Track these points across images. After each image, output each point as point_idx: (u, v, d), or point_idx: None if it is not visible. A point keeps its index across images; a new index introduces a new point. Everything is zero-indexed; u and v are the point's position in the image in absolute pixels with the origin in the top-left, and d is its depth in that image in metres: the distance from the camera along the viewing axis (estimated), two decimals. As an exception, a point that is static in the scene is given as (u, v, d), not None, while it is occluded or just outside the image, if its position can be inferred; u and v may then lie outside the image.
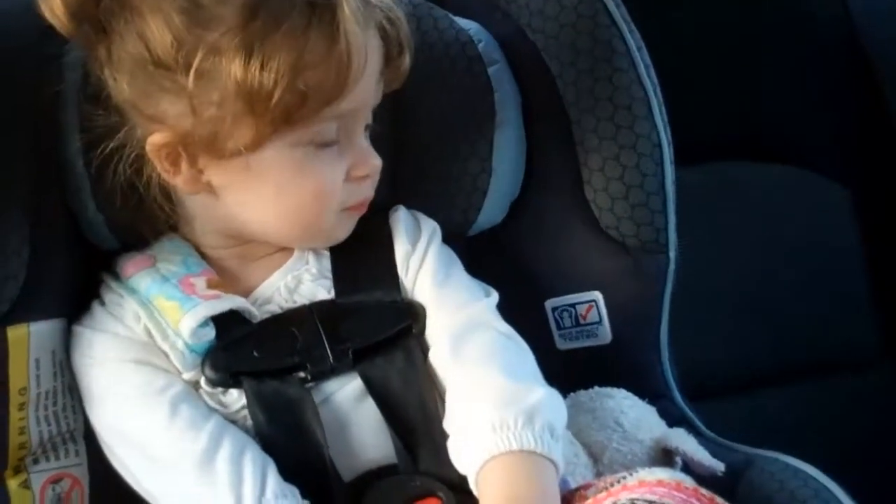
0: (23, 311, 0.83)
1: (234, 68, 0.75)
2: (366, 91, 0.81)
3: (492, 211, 0.99)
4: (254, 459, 0.78)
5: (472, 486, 0.78)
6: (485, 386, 0.81)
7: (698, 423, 0.99)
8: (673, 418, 0.96)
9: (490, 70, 0.97)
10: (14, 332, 0.82)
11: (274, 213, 0.83)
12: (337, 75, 0.77)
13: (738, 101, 1.28)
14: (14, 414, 0.82)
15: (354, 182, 0.84)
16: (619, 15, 0.97)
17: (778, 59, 1.29)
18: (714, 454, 0.89)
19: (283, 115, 0.77)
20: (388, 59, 0.84)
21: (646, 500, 0.74)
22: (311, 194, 0.82)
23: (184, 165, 0.81)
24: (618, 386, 0.96)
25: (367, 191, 0.86)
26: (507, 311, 0.89)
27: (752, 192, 1.28)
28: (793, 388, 1.27)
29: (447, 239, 0.94)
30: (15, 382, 0.82)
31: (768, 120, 1.29)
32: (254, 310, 0.85)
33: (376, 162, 0.85)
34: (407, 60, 0.86)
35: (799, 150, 1.29)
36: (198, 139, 0.78)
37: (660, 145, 0.96)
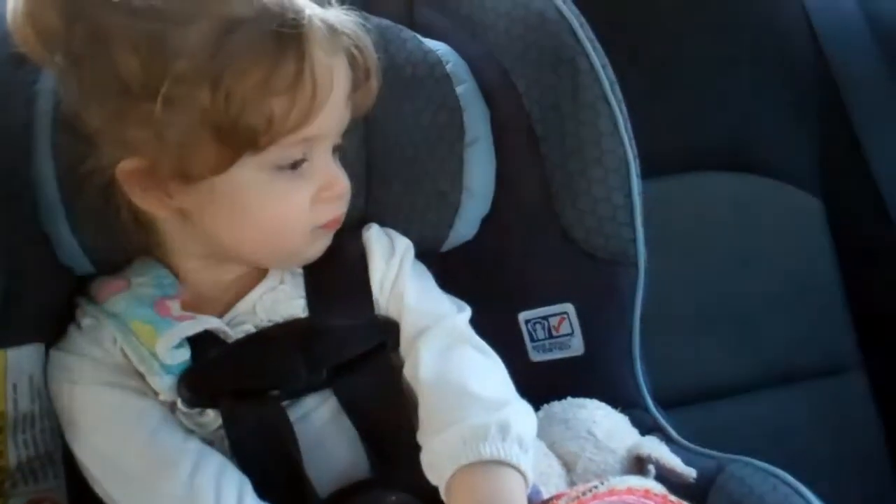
0: (-1, 336, 0.84)
1: (200, 96, 0.76)
2: (332, 117, 0.82)
3: (464, 227, 1.00)
4: (231, 480, 0.79)
5: (442, 496, 0.79)
6: (456, 399, 0.82)
7: (671, 430, 1.00)
8: (646, 427, 0.98)
9: (459, 89, 0.99)
10: (-9, 358, 0.83)
11: (243, 236, 0.84)
12: (303, 103, 0.78)
13: (709, 113, 1.29)
14: (-8, 438, 0.84)
15: (324, 203, 0.85)
16: (583, 34, 0.99)
17: (748, 71, 1.31)
18: (686, 461, 0.90)
19: (249, 140, 0.78)
20: (356, 85, 0.85)
21: (615, 509, 0.76)
22: (277, 216, 0.83)
23: (153, 190, 0.82)
24: (591, 396, 0.97)
25: (337, 210, 0.87)
26: (481, 324, 0.91)
27: (723, 202, 1.29)
28: (766, 396, 1.27)
29: (420, 255, 0.95)
30: (-7, 407, 0.83)
31: (739, 132, 1.30)
32: (228, 330, 0.86)
33: (344, 183, 0.86)
34: (375, 85, 0.87)
35: (770, 161, 1.30)
36: (165, 165, 0.79)
37: (626, 159, 0.98)
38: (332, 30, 0.81)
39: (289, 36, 0.77)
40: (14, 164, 0.86)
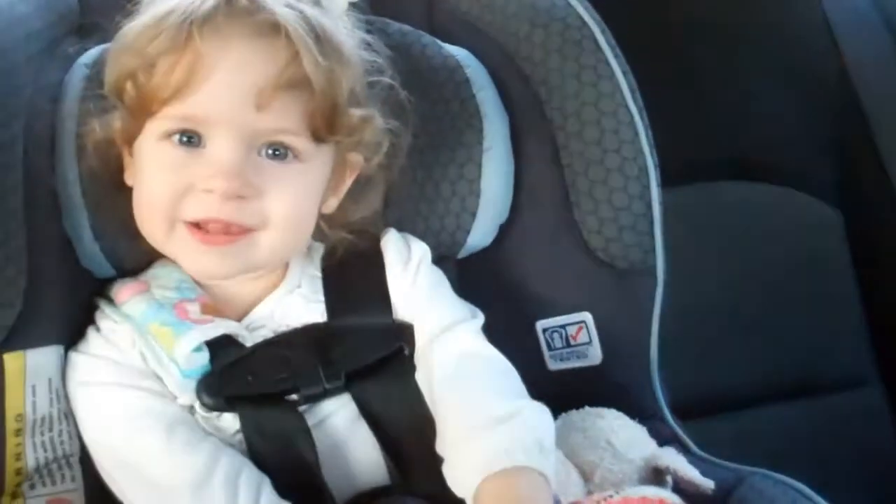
0: (19, 338, 0.84)
1: (108, 72, 0.85)
2: (220, 99, 0.81)
3: (481, 233, 1.00)
4: (248, 480, 0.79)
5: None
6: (471, 406, 0.82)
7: (688, 441, 0.99)
8: (663, 437, 0.97)
9: (478, 95, 0.98)
10: (10, 360, 0.83)
11: (137, 213, 0.86)
12: (177, 75, 0.81)
13: (730, 123, 1.29)
14: (11, 440, 0.83)
15: (196, 195, 0.82)
16: (605, 41, 0.99)
17: (768, 81, 1.30)
18: (704, 472, 0.90)
19: (135, 105, 0.83)
20: (290, 83, 0.82)
21: (630, 517, 0.75)
22: (142, 192, 0.85)
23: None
24: (608, 406, 0.96)
25: (209, 208, 0.82)
26: (498, 332, 0.91)
27: (743, 212, 1.29)
28: (784, 407, 1.27)
29: (438, 261, 0.95)
30: (11, 409, 0.83)
31: (759, 141, 1.30)
32: (247, 334, 0.86)
33: (222, 181, 0.81)
34: (311, 68, 0.82)
35: (790, 171, 1.30)
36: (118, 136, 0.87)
37: (646, 168, 0.98)
38: (232, 15, 0.81)
39: (176, 12, 0.81)
40: (38, 166, 0.86)
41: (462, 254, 1.01)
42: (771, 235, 1.29)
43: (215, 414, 0.83)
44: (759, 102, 1.29)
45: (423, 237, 0.95)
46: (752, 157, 1.30)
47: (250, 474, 0.80)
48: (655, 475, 0.90)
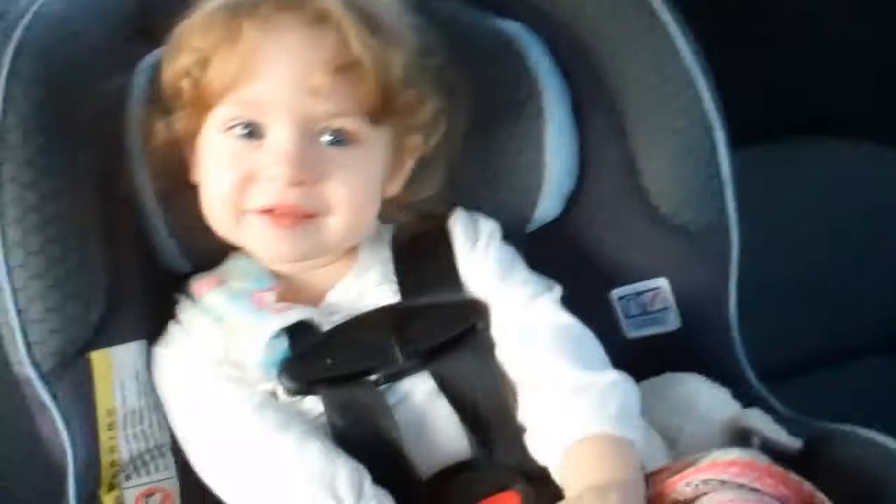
0: (104, 335, 0.86)
1: (164, 72, 0.87)
2: (278, 85, 0.83)
3: (549, 205, 0.99)
4: (347, 461, 0.80)
5: (554, 475, 0.79)
6: (556, 376, 0.82)
7: (774, 401, 0.98)
8: (748, 399, 0.95)
9: (534, 67, 0.98)
10: (98, 357, 0.86)
11: (205, 207, 0.88)
12: (232, 64, 0.83)
13: (804, 77, 1.25)
14: (104, 434, 0.86)
15: (258, 183, 0.84)
16: (664, 3, 0.98)
17: (848, 33, 1.27)
18: (791, 431, 0.89)
19: (194, 102, 0.85)
20: (341, 67, 0.83)
21: (718, 480, 0.74)
22: (211, 180, 0.86)
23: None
24: (690, 370, 0.96)
25: (275, 195, 0.84)
26: (573, 303, 0.90)
27: (821, 167, 1.26)
28: (866, 365, 1.24)
29: (507, 237, 0.95)
30: (102, 404, 0.86)
31: (835, 96, 1.27)
32: (323, 319, 0.87)
33: (285, 168, 0.83)
34: (361, 51, 0.83)
35: (868, 125, 1.26)
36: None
37: (711, 128, 0.96)
38: (282, 8, 0.83)
39: (226, 8, 0.84)
40: (110, 168, 0.89)
41: (531, 227, 1.01)
42: (851, 190, 1.26)
43: (298, 398, 0.85)
44: (839, 58, 1.25)
45: (491, 214, 0.95)
46: (829, 111, 1.26)
47: (346, 457, 0.81)
48: (741, 437, 0.89)
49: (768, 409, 0.94)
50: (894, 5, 1.28)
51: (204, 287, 0.89)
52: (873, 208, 1.27)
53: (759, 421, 0.89)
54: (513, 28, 1.00)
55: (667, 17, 0.97)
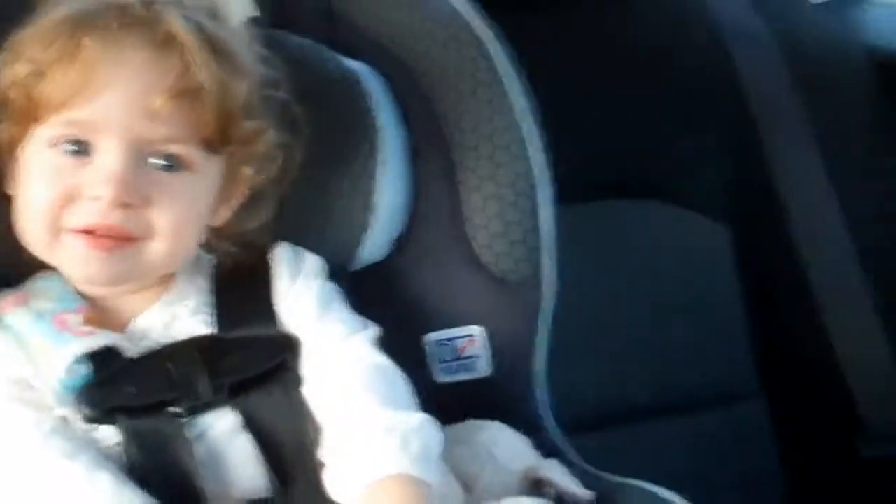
0: None
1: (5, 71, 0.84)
2: (111, 106, 0.82)
3: (375, 246, 1.01)
4: (139, 494, 0.79)
5: None
6: (362, 415, 0.83)
7: (572, 454, 1.01)
8: (547, 450, 0.99)
9: (375, 109, 0.99)
10: None
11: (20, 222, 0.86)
12: (65, 82, 0.81)
13: (623, 143, 1.32)
14: None
15: (80, 202, 0.83)
16: (502, 59, 1.01)
17: (663, 102, 1.34)
18: (586, 484, 0.92)
19: (22, 112, 0.83)
20: (179, 92, 0.83)
21: (505, 528, 0.77)
22: (30, 194, 0.84)
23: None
24: (495, 418, 0.98)
25: (96, 215, 0.82)
26: (389, 344, 0.91)
27: (634, 229, 1.32)
28: (672, 422, 1.30)
29: (330, 274, 0.95)
30: None
31: (652, 161, 1.33)
32: (129, 345, 0.86)
33: (110, 188, 0.81)
34: (204, 78, 0.83)
35: (678, 188, 1.34)
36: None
37: (535, 186, 1.00)
38: (124, 25, 0.82)
39: (70, 21, 0.82)
40: None
41: (355, 266, 1.02)
42: (661, 251, 1.32)
43: (94, 426, 0.83)
44: (656, 124, 1.32)
45: (316, 250, 0.95)
46: (646, 176, 1.33)
47: (132, 489, 0.79)
48: (536, 487, 0.92)
49: (566, 462, 0.98)
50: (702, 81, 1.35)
51: (5, 305, 0.86)
52: (684, 270, 1.34)
53: (554, 472, 0.92)
54: (359, 69, 1.02)
55: (505, 74, 1.01)
